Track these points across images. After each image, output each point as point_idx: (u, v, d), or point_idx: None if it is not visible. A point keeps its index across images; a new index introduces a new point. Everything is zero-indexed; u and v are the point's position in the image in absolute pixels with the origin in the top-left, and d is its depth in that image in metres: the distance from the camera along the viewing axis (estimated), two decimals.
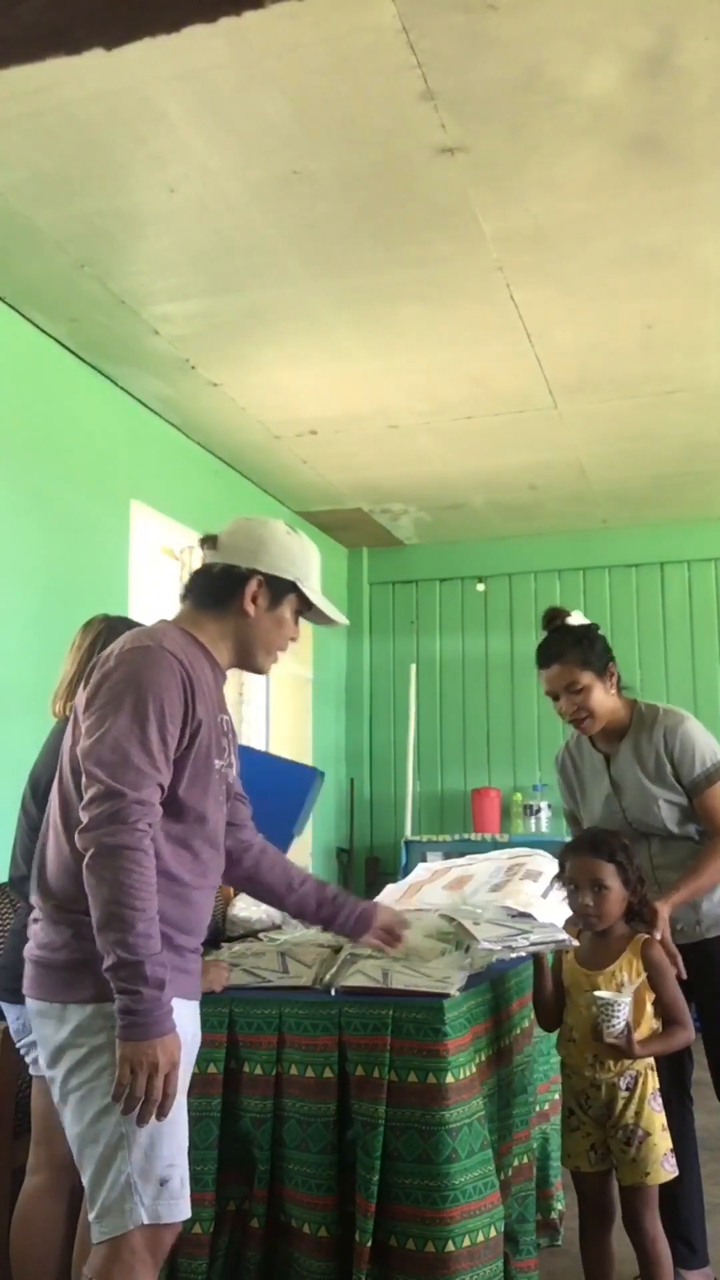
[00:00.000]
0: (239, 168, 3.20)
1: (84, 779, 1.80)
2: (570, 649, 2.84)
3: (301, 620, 2.15)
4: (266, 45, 2.70)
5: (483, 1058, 2.37)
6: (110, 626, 2.53)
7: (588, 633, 2.89)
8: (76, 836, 1.78)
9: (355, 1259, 2.13)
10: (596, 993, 2.40)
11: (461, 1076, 2.21)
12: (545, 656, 2.88)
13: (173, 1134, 1.80)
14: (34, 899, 1.94)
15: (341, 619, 2.20)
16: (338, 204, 3.38)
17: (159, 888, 1.79)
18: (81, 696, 1.94)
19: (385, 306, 4.05)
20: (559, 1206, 2.91)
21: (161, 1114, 1.74)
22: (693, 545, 6.75)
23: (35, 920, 1.91)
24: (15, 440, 4.03)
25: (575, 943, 2.55)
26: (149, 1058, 1.70)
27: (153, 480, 4.96)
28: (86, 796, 1.78)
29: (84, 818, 1.77)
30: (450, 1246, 2.08)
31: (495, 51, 2.72)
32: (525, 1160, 2.55)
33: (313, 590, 2.11)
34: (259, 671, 2.14)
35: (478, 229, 3.51)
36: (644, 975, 2.48)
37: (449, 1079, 2.17)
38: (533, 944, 2.53)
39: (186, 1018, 1.87)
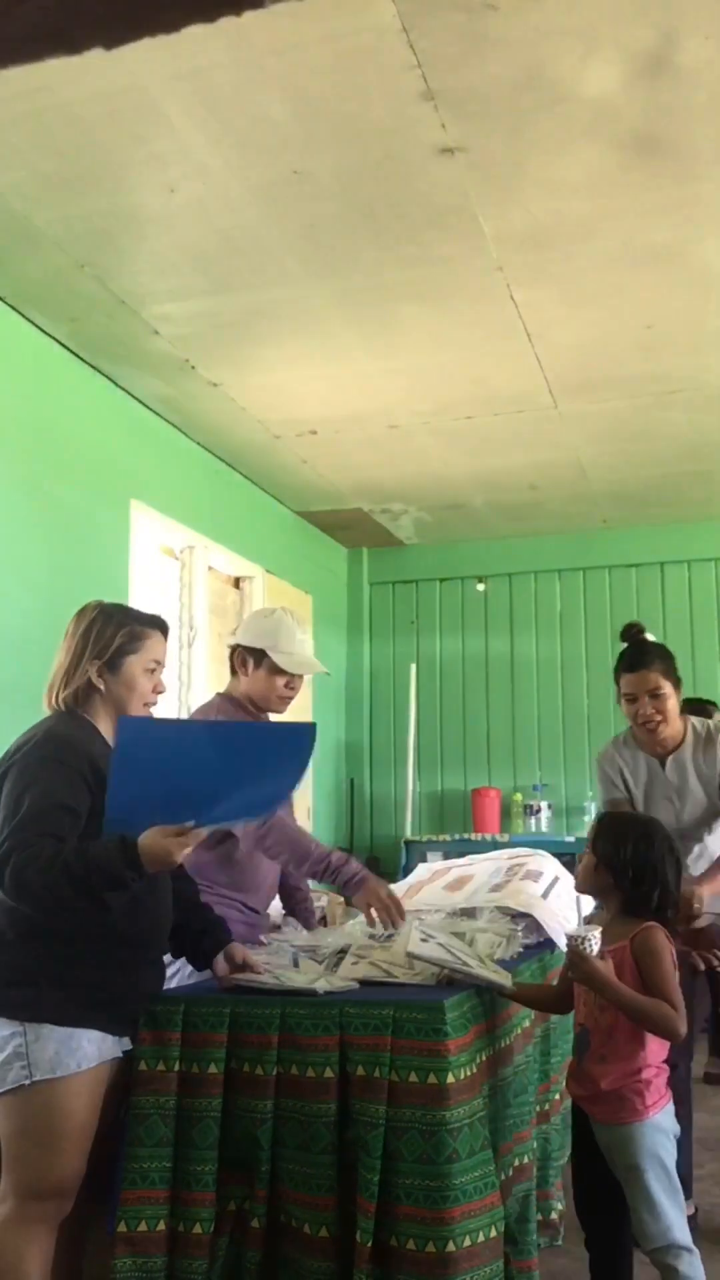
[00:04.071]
0: (239, 168, 3.20)
1: None
2: (658, 659, 3.16)
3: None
4: (266, 45, 2.70)
5: (483, 1058, 2.36)
6: (104, 613, 2.47)
7: (667, 650, 3.23)
8: None
9: (356, 1259, 2.12)
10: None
11: (462, 1077, 2.21)
12: (635, 661, 3.17)
13: None
14: None
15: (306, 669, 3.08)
16: (338, 204, 3.39)
17: None
18: None
19: (385, 306, 4.05)
20: (559, 1206, 2.91)
21: None
22: (693, 545, 6.75)
23: None
24: (15, 440, 4.03)
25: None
26: None
27: (153, 480, 4.95)
28: None
29: None
30: (451, 1246, 2.08)
31: (495, 51, 2.72)
32: (525, 1160, 2.54)
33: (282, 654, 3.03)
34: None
35: (478, 229, 3.52)
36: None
37: (450, 1079, 2.17)
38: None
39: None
